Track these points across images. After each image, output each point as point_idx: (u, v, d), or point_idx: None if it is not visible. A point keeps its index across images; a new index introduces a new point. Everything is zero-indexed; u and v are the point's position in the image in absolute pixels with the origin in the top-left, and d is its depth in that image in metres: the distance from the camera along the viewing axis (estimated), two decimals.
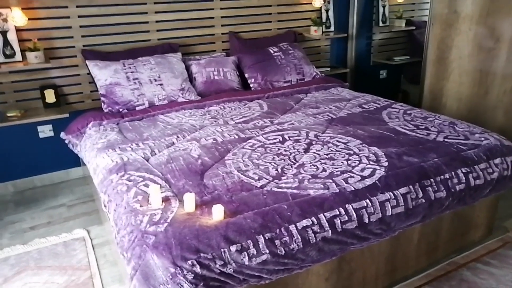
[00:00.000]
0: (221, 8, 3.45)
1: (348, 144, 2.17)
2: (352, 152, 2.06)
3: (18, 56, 2.79)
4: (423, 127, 2.38)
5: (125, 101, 2.82)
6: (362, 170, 1.87)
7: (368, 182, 1.77)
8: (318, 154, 2.06)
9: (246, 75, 3.34)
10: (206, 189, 1.74)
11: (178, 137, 2.36)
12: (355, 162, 1.94)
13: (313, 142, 2.21)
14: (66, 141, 2.77)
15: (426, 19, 4.54)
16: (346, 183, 1.75)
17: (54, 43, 2.92)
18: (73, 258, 2.30)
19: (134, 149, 2.18)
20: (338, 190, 1.70)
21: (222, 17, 3.47)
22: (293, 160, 2.00)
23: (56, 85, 2.98)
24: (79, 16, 2.95)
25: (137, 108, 2.84)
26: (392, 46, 4.51)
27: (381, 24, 4.29)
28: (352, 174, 1.83)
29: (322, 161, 1.97)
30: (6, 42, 2.75)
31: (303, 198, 1.65)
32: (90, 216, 2.69)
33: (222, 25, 3.50)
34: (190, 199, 1.57)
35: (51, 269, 2.22)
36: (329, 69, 3.98)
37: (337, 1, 3.99)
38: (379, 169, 1.86)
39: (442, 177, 1.88)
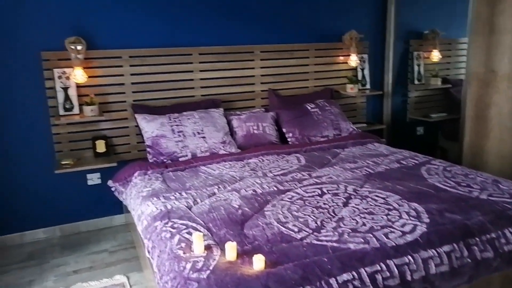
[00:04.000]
0: (261, 67, 3.66)
1: (387, 199, 2.17)
2: (391, 207, 2.05)
3: (76, 110, 3.05)
4: (464, 184, 2.35)
5: (169, 152, 2.97)
6: (403, 225, 1.85)
7: (409, 238, 1.75)
8: (357, 208, 2.07)
9: (284, 130, 3.45)
10: (246, 239, 1.78)
11: (219, 187, 2.44)
12: (395, 217, 1.94)
13: (352, 196, 2.23)
14: (113, 189, 2.92)
15: (462, 77, 4.62)
16: (386, 238, 1.74)
17: (108, 98, 3.18)
18: None
19: (177, 198, 2.28)
20: (379, 245, 1.69)
21: (262, 75, 3.67)
22: (332, 214, 2.02)
23: (107, 136, 3.20)
24: (131, 74, 3.22)
25: (180, 159, 2.98)
26: (428, 103, 4.54)
27: (416, 82, 4.37)
28: (392, 229, 1.82)
29: (362, 215, 1.98)
30: (67, 97, 3.02)
31: (343, 251, 1.66)
32: (131, 263, 2.76)
33: (261, 83, 3.69)
34: (232, 248, 1.61)
35: None
36: (365, 125, 4.04)
37: (372, 60, 4.14)
38: (421, 225, 1.85)
39: (488, 236, 1.84)
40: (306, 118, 3.49)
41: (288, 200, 2.20)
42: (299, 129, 3.42)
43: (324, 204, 2.14)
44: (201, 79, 3.46)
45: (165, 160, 2.97)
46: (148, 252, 1.93)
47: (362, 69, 4.08)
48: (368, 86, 4.14)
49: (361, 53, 4.02)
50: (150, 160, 2.98)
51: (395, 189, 2.30)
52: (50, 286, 2.53)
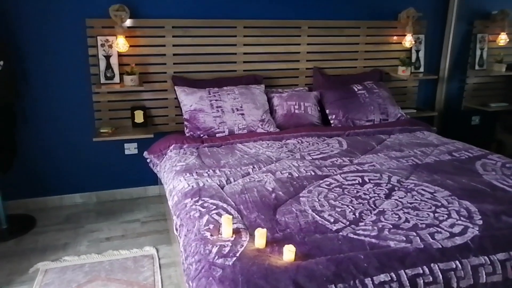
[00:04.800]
0: (308, 44, 3.46)
1: (435, 194, 1.98)
2: (439, 204, 1.87)
3: (117, 79, 3.03)
4: None
5: (206, 128, 2.90)
6: (452, 226, 1.67)
7: (458, 240, 1.57)
8: (400, 201, 1.90)
9: (327, 111, 3.28)
10: (278, 226, 1.68)
11: (254, 167, 2.34)
12: (443, 216, 1.76)
13: (396, 188, 2.06)
14: (148, 160, 2.90)
15: None
16: (432, 239, 1.58)
17: (149, 68, 3.13)
18: (141, 275, 2.35)
19: (211, 175, 2.20)
20: (422, 246, 1.53)
21: (308, 52, 3.48)
22: (373, 206, 1.86)
23: (145, 107, 3.17)
24: (173, 45, 3.14)
25: (217, 135, 2.91)
26: (487, 91, 4.17)
27: (477, 67, 4.00)
28: (439, 229, 1.65)
29: (405, 210, 1.81)
30: (108, 66, 3.00)
31: (382, 249, 1.51)
32: (161, 235, 2.75)
33: (307, 60, 3.50)
34: (261, 235, 1.51)
35: (119, 283, 2.28)
36: (415, 111, 3.77)
37: (429, 41, 3.81)
38: (472, 228, 1.66)
39: None
40: (352, 100, 3.29)
41: (326, 187, 2.07)
42: (343, 111, 3.23)
43: (365, 194, 1.98)
44: (244, 53, 3.33)
45: (201, 135, 2.90)
46: (176, 229, 1.88)
47: (417, 51, 3.77)
48: (421, 69, 3.83)
49: (417, 33, 3.71)
50: (187, 134, 2.92)
51: (444, 184, 2.10)
52: (83, 251, 2.58)
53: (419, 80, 3.89)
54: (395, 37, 3.68)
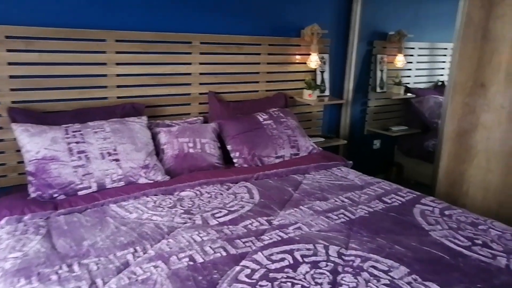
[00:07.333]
0: (200, 63, 2.80)
1: (391, 273, 1.48)
2: None
3: None
4: (479, 241, 1.74)
5: (63, 184, 2.01)
6: None
7: None
8: None
9: (229, 147, 2.65)
10: None
11: (135, 250, 1.57)
12: None
13: (339, 269, 1.50)
14: None
15: (422, 86, 4.18)
16: None
17: None
18: None
19: (63, 279, 1.37)
20: None
21: (201, 73, 2.82)
22: None
23: None
24: (9, 63, 2.19)
25: (80, 193, 2.04)
26: (387, 114, 4.02)
27: (378, 89, 3.81)
28: None
29: None
30: None
31: None
32: None
33: (200, 83, 2.83)
34: None
35: None
36: (323, 139, 3.37)
37: (333, 62, 3.48)
38: None
39: None
40: (258, 132, 2.71)
41: (247, 280, 1.41)
42: (248, 147, 2.63)
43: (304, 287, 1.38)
44: (118, 75, 2.52)
45: (55, 195, 2.00)
46: None
47: (322, 72, 3.40)
48: (327, 92, 3.47)
49: (322, 52, 3.33)
50: (32, 195, 1.99)
51: (394, 253, 1.62)
52: None
53: (324, 105, 3.52)
54: (298, 57, 3.25)
